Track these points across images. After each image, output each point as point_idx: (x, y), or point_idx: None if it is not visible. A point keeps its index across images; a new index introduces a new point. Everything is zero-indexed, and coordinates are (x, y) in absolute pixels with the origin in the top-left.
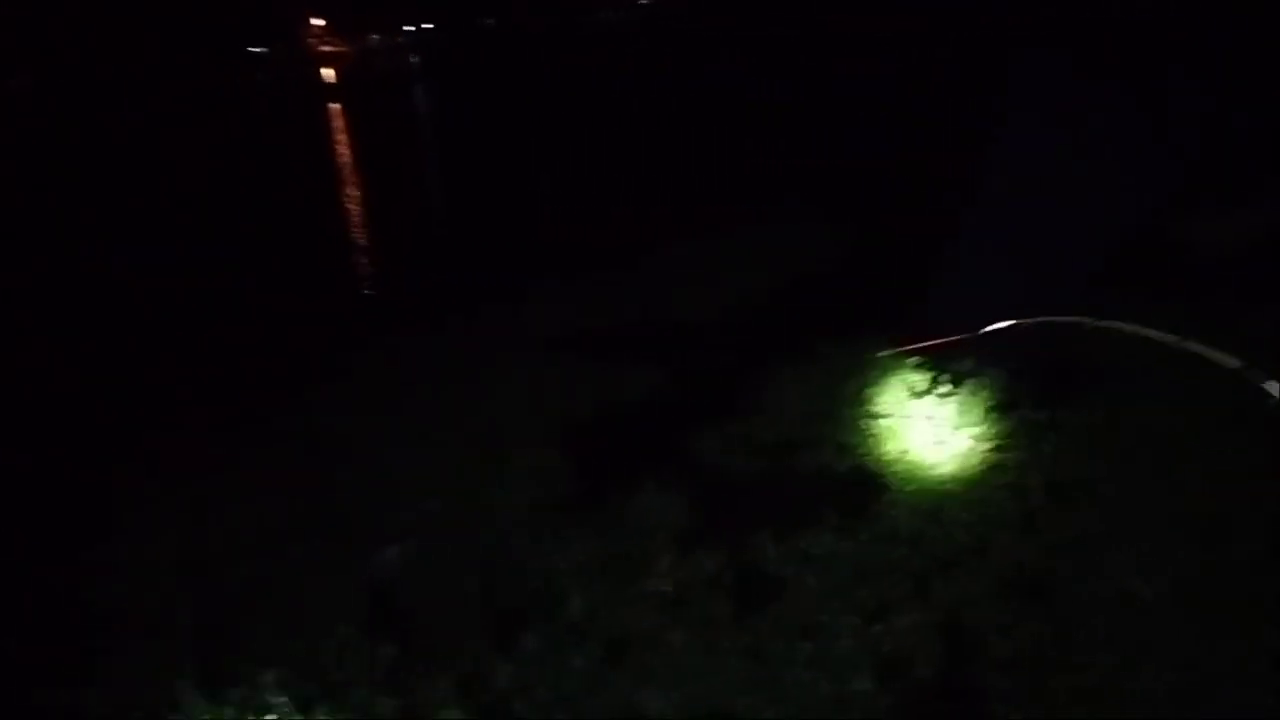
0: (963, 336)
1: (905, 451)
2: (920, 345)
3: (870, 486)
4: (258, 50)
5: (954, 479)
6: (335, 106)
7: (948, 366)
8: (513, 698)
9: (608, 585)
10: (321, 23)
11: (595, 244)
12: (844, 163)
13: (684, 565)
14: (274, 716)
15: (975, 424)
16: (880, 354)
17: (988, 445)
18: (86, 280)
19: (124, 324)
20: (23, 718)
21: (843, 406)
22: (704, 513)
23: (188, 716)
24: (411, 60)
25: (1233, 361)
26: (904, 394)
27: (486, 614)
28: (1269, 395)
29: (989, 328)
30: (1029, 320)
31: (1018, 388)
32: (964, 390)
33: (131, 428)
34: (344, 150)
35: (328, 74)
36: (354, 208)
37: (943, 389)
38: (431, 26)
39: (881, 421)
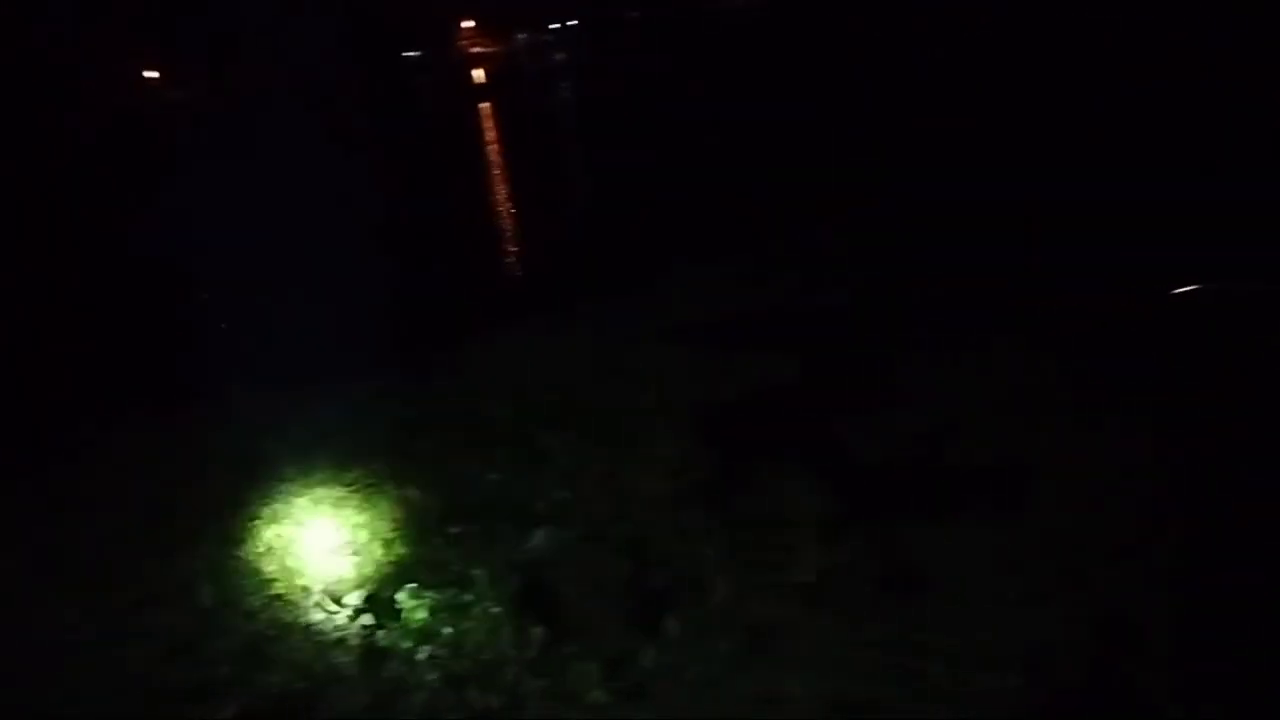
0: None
1: (1058, 440)
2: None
3: (1021, 477)
4: (413, 55)
5: (1110, 469)
6: (485, 106)
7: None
8: (657, 681)
9: (750, 573)
10: (471, 25)
11: (730, 230)
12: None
13: (827, 554)
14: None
15: (1131, 412)
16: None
17: (1144, 433)
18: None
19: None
20: None
21: (991, 394)
22: (848, 502)
23: (348, 691)
24: (556, 57)
25: None
26: (1053, 381)
27: (630, 599)
28: None
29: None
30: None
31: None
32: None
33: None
34: (493, 147)
35: (477, 74)
36: (502, 201)
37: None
38: (576, 22)
39: (1033, 410)
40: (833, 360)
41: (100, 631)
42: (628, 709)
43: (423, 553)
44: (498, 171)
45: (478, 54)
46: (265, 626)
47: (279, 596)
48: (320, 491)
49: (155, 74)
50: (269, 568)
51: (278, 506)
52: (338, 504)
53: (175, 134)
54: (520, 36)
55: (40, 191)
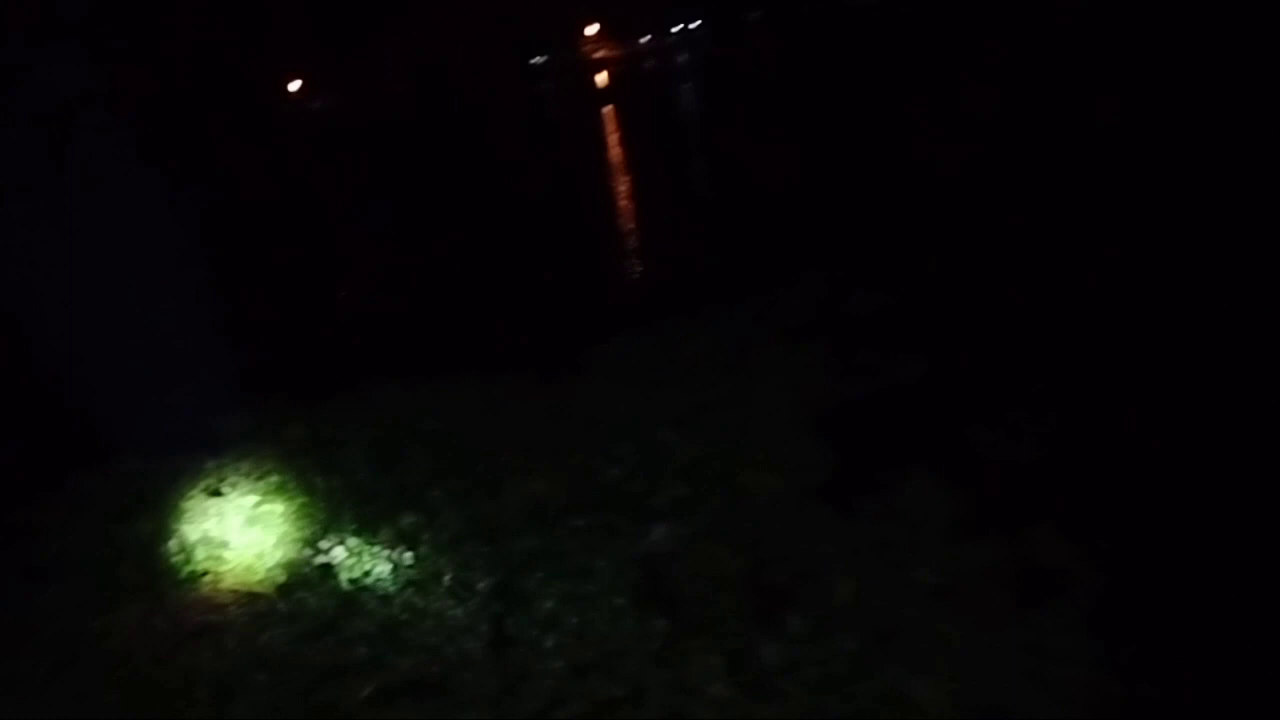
0: None
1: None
2: None
3: (1167, 484)
4: (539, 60)
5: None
6: (608, 110)
7: None
8: (780, 676)
9: (875, 572)
10: (595, 29)
11: (856, 233)
12: None
13: (957, 555)
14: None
15: None
16: None
17: None
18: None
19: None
20: None
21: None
22: (979, 503)
23: (476, 675)
24: (679, 59)
25: None
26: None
27: (752, 594)
28: None
29: None
30: None
31: None
32: None
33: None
34: (615, 152)
35: (600, 79)
36: (625, 206)
37: None
38: (699, 23)
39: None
40: (963, 362)
41: (249, 614)
42: (752, 704)
43: (547, 544)
44: (621, 176)
45: (601, 58)
46: (399, 611)
47: (412, 582)
48: (452, 481)
49: (298, 84)
50: (403, 555)
51: (410, 496)
52: (467, 494)
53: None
54: (643, 40)
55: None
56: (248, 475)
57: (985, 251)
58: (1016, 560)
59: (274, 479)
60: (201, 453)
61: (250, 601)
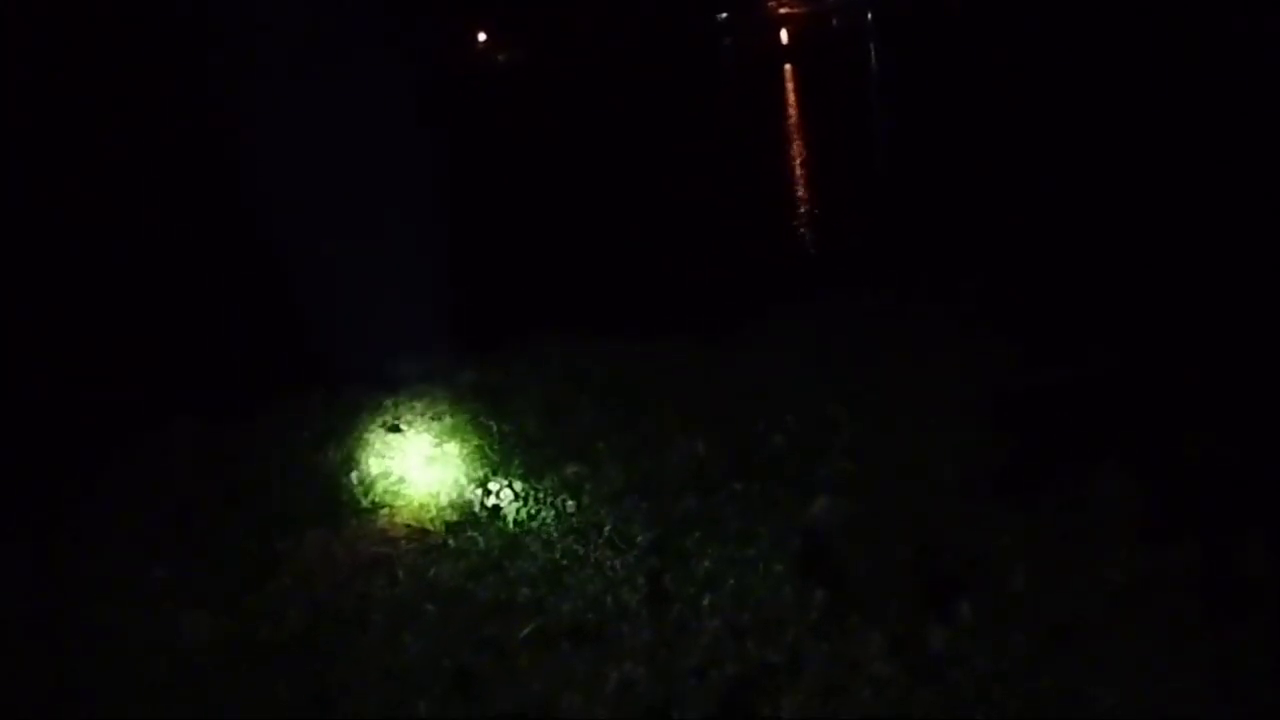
0: None
1: None
2: None
3: None
4: (722, 16)
5: None
6: (788, 68)
7: None
8: (947, 664)
9: (1055, 567)
10: None
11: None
12: None
13: (1144, 556)
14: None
15: None
16: None
17: None
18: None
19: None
20: None
21: None
22: (1172, 503)
23: (633, 626)
24: (867, 18)
25: None
26: None
27: (920, 577)
28: None
29: None
30: None
31: None
32: None
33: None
34: (793, 111)
35: (783, 35)
36: (798, 168)
37: None
38: None
39: None
40: (1163, 355)
41: (420, 548)
42: (914, 687)
43: (708, 505)
44: (795, 138)
45: (786, 14)
46: (561, 557)
47: (574, 530)
48: (617, 435)
49: (484, 37)
50: (566, 503)
51: (576, 446)
52: (631, 450)
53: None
54: None
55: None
56: (423, 415)
57: (1196, 240)
58: (1213, 567)
59: (448, 421)
60: (380, 391)
61: (422, 537)
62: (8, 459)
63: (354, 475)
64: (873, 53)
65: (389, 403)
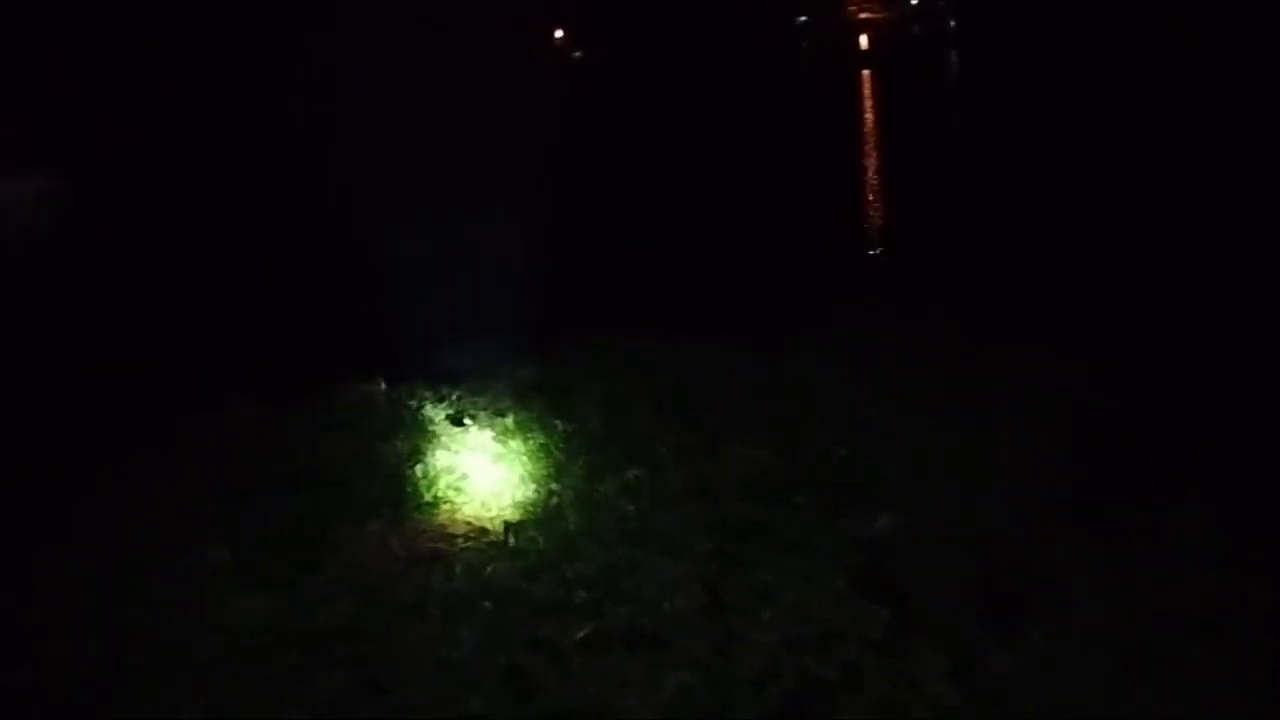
0: None
1: None
2: None
3: None
4: (801, 19)
5: None
6: (866, 73)
7: None
8: (1012, 688)
9: (1128, 595)
10: None
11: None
12: None
13: (1229, 590)
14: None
15: None
16: None
17: None
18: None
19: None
20: None
21: None
22: (1265, 538)
23: (689, 635)
24: (949, 25)
25: None
26: None
27: (986, 599)
28: None
29: None
30: None
31: None
32: None
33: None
34: (869, 117)
35: (862, 41)
36: (872, 172)
37: None
38: None
39: None
40: (1256, 382)
41: (478, 545)
42: (977, 711)
43: (766, 515)
44: (868, 143)
45: (866, 19)
46: (619, 561)
47: (633, 534)
48: (676, 438)
49: (560, 34)
50: (626, 507)
51: (637, 448)
52: (690, 454)
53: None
54: (912, 2)
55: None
56: (485, 410)
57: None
58: None
59: (510, 417)
60: (441, 383)
61: (480, 534)
62: (70, 431)
63: (417, 468)
64: (954, 61)
65: (452, 395)
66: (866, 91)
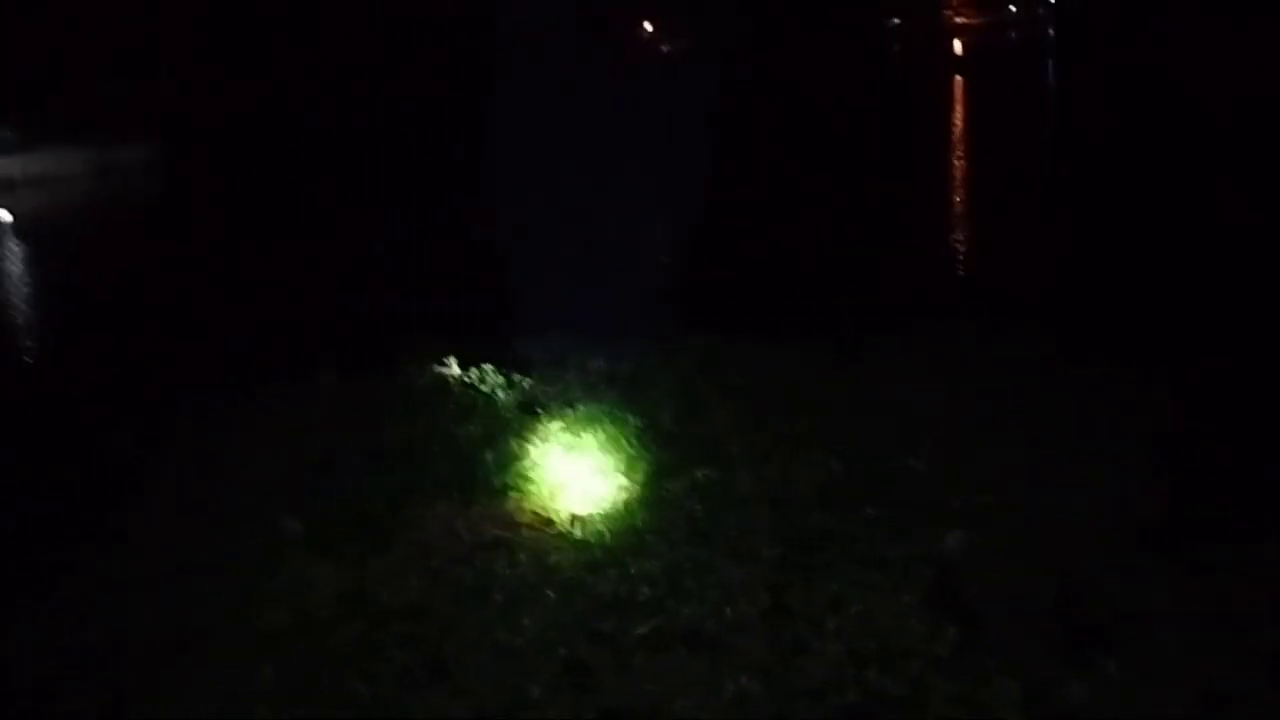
0: None
1: None
2: None
3: None
4: (894, 22)
5: None
6: (958, 80)
7: None
8: None
9: (1211, 629)
10: None
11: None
12: None
13: None
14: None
15: None
16: None
17: None
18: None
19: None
20: None
21: None
22: None
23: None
24: (1048, 33)
25: None
26: None
27: (1061, 626)
28: None
29: None
30: None
31: None
32: None
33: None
34: (959, 125)
35: (956, 46)
36: (959, 182)
37: None
38: None
39: None
40: None
41: (544, 535)
42: None
43: (837, 525)
44: (957, 153)
45: (961, 24)
46: (684, 560)
47: (700, 534)
48: (749, 441)
49: (650, 27)
50: (695, 506)
51: (708, 448)
52: (763, 458)
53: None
54: (1011, 8)
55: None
56: (558, 400)
57: None
58: None
59: (581, 409)
60: (513, 371)
61: (546, 523)
62: (159, 392)
63: (489, 455)
64: (1050, 70)
65: (525, 384)
66: (958, 97)
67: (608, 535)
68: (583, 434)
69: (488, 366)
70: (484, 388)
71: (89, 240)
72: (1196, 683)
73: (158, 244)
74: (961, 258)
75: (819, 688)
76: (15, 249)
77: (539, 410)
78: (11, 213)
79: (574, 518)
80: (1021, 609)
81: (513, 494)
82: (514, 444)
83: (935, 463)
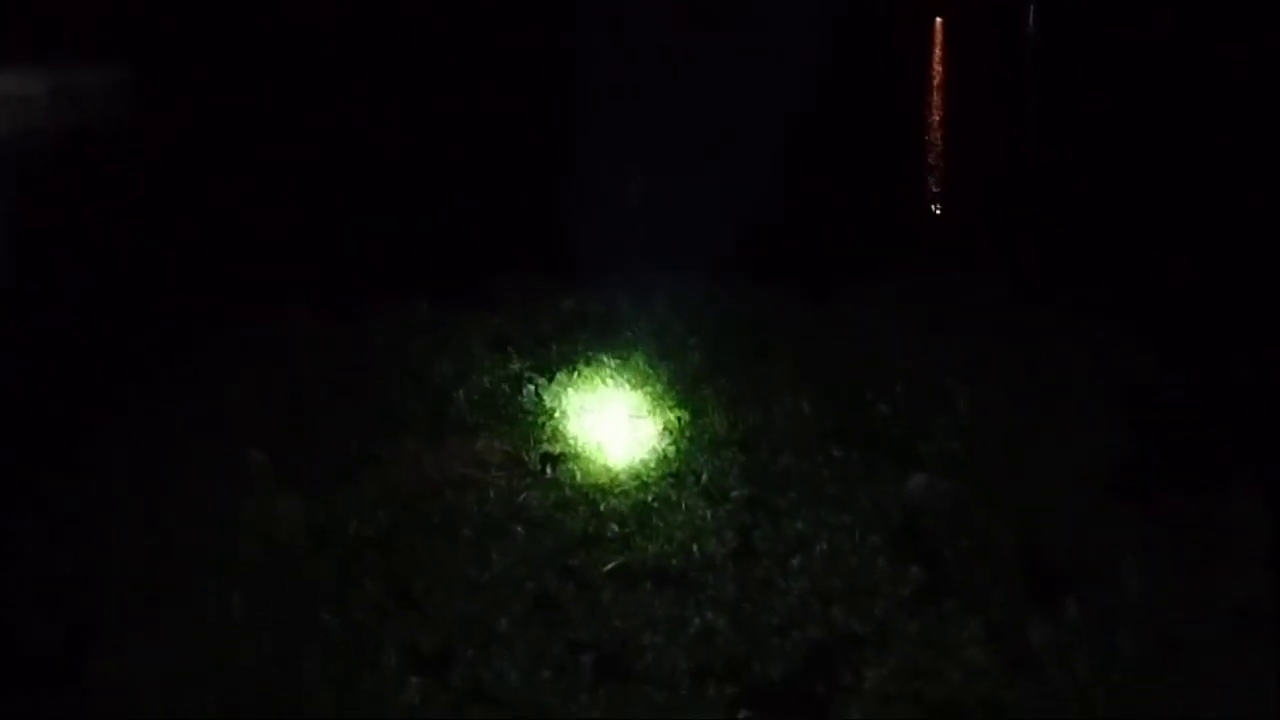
0: None
1: None
2: None
3: None
4: None
5: None
6: (938, 22)
7: None
8: (1047, 661)
9: (1173, 576)
10: None
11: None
12: None
13: (1269, 581)
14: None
15: None
16: None
17: None
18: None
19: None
20: None
21: None
22: None
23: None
24: None
25: None
26: None
27: (1024, 570)
28: None
29: None
30: None
31: None
32: None
33: None
34: (937, 68)
35: None
36: (931, 127)
37: None
38: None
39: None
40: None
41: (513, 474)
42: (1008, 679)
43: (806, 466)
44: (935, 96)
45: None
46: (653, 500)
47: (671, 475)
48: (722, 383)
49: None
50: (667, 447)
51: (682, 390)
52: (735, 400)
53: None
54: None
55: None
56: (528, 338)
57: None
58: None
59: (554, 348)
60: (482, 309)
61: (516, 463)
62: (131, 325)
63: (460, 392)
64: (1032, 15)
65: (494, 322)
66: (938, 40)
67: (578, 474)
68: (556, 373)
69: (460, 304)
70: (454, 325)
71: (51, 167)
72: (1157, 628)
73: (124, 173)
74: (937, 202)
75: (784, 624)
76: None
77: (510, 349)
78: None
79: (544, 456)
80: (986, 552)
81: (483, 433)
82: (485, 383)
83: (908, 407)
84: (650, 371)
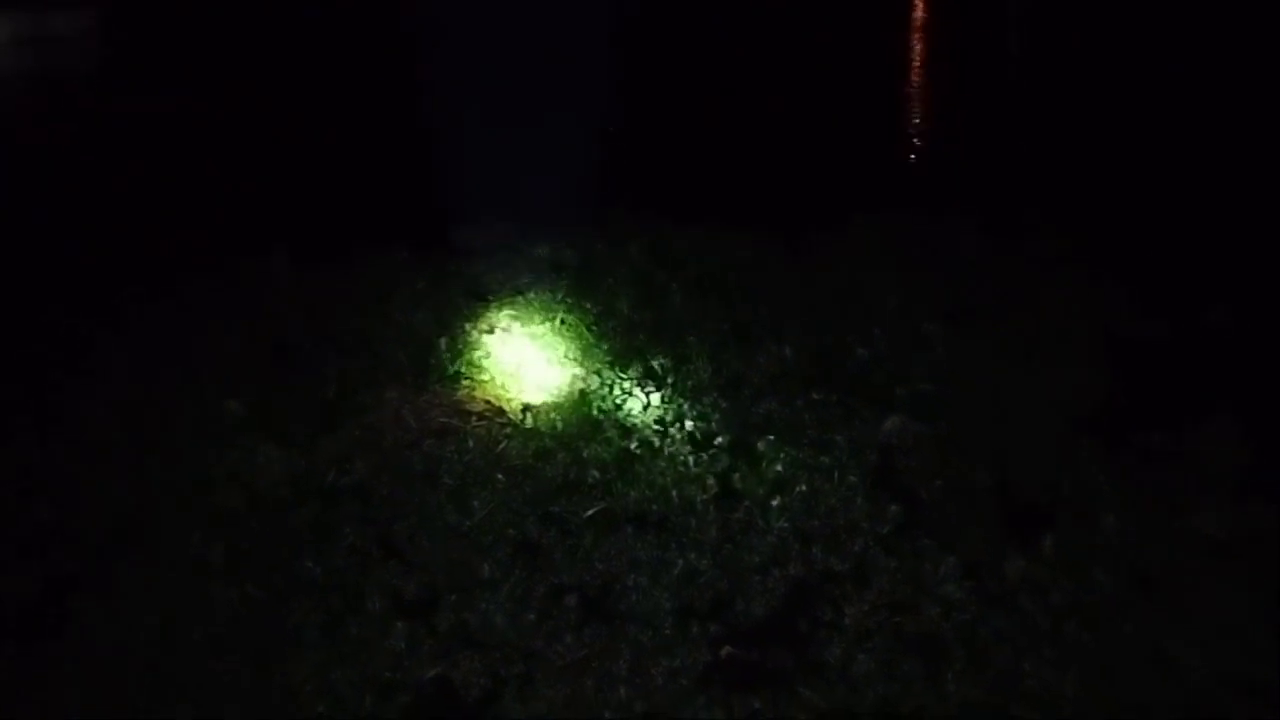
0: None
1: None
2: None
3: None
4: None
5: None
6: None
7: None
8: (1022, 594)
9: (1148, 513)
10: None
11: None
12: None
13: (1249, 514)
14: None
15: None
16: None
17: None
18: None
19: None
20: None
21: None
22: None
23: (698, 521)
24: None
25: None
26: None
27: (1001, 508)
28: None
29: None
30: None
31: None
32: None
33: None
34: (917, 41)
35: None
36: (912, 72)
37: None
38: None
39: None
40: None
41: (494, 423)
42: (985, 612)
43: (787, 411)
44: (914, 40)
45: None
46: (635, 446)
47: (653, 422)
48: (705, 329)
49: None
50: (650, 394)
51: (665, 337)
52: (717, 346)
53: None
54: None
55: None
56: (505, 286)
57: None
58: None
59: (532, 295)
60: (458, 258)
61: (496, 413)
62: (105, 277)
63: (442, 341)
64: None
65: (470, 271)
66: (920, 12)
67: (559, 423)
68: (535, 322)
69: (438, 253)
70: (432, 274)
71: (12, 117)
72: (1130, 564)
73: (89, 122)
74: (918, 148)
75: (763, 563)
76: None
77: (490, 298)
78: None
79: (525, 405)
80: (964, 491)
81: (464, 381)
82: (465, 331)
83: (886, 351)
84: (631, 318)
